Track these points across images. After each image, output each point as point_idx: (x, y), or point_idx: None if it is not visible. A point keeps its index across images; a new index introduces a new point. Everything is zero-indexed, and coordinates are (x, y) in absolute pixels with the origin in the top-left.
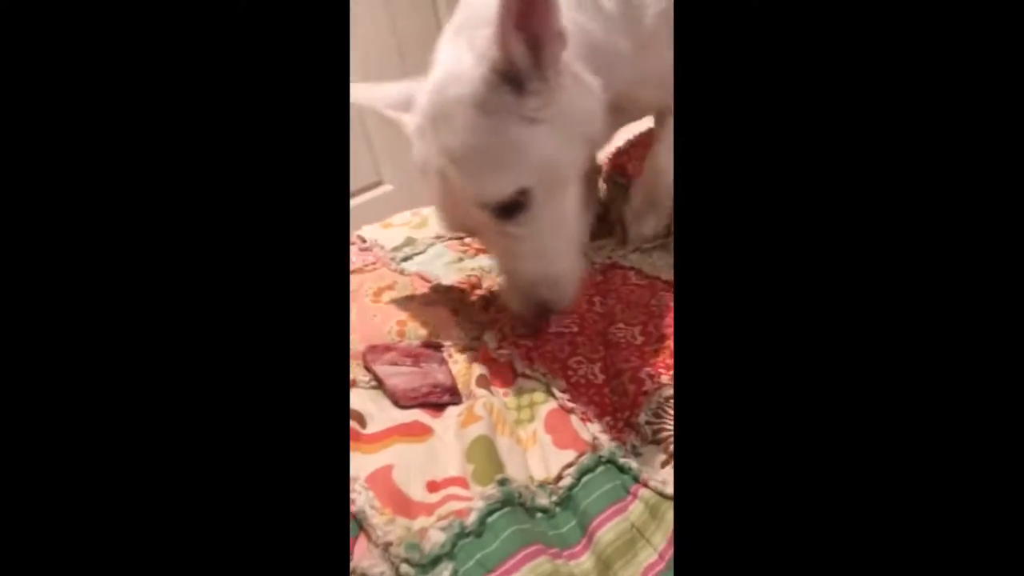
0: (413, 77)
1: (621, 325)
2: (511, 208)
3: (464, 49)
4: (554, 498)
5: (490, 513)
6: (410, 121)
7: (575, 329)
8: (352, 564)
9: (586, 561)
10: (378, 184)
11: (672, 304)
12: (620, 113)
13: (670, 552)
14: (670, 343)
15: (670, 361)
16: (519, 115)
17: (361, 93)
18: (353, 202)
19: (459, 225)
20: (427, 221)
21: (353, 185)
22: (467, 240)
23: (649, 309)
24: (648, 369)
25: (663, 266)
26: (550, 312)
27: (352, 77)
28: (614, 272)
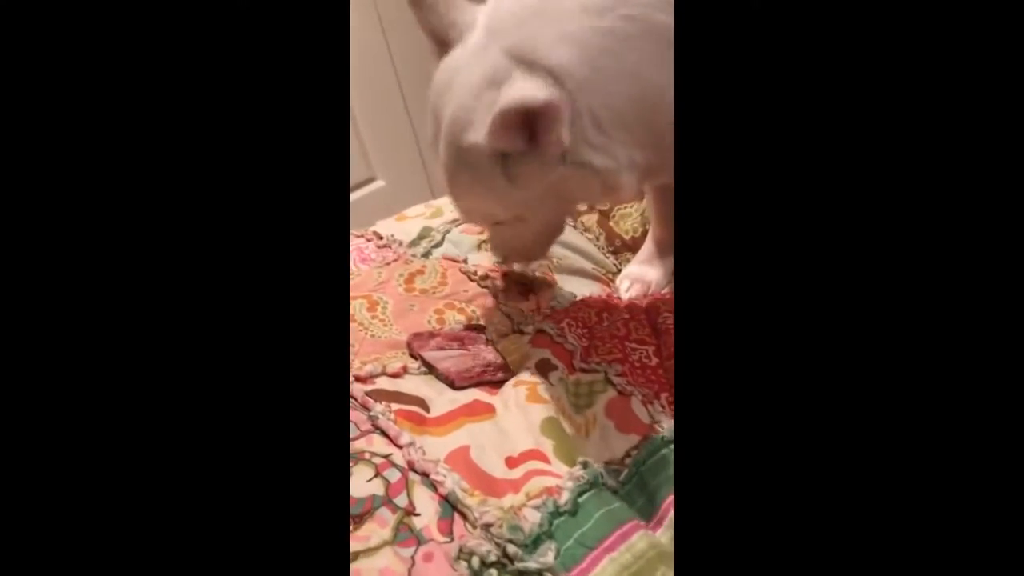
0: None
1: (666, 314)
2: None
3: (496, 65)
4: (622, 478)
5: (580, 493)
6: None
7: (626, 316)
8: (456, 543)
9: (662, 535)
10: (371, 180)
11: None
12: None
13: None
14: None
15: None
16: (504, 176)
17: None
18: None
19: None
20: (441, 210)
21: None
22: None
23: None
24: None
25: None
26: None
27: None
28: None
